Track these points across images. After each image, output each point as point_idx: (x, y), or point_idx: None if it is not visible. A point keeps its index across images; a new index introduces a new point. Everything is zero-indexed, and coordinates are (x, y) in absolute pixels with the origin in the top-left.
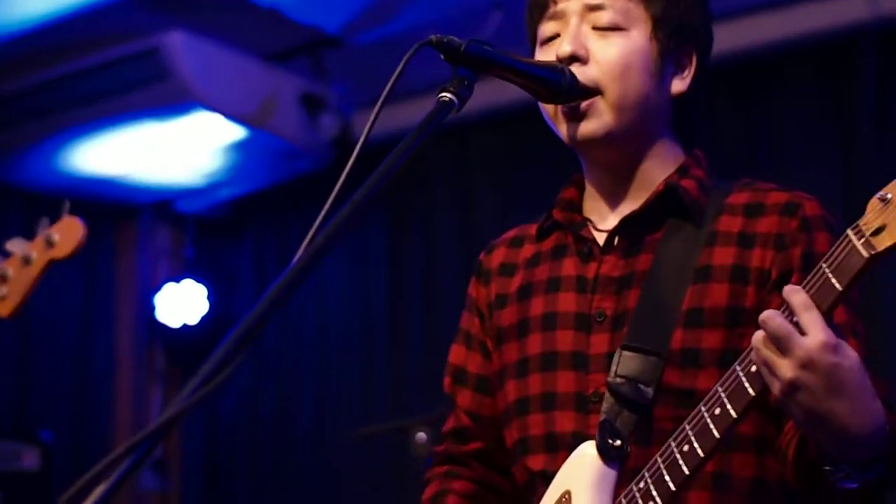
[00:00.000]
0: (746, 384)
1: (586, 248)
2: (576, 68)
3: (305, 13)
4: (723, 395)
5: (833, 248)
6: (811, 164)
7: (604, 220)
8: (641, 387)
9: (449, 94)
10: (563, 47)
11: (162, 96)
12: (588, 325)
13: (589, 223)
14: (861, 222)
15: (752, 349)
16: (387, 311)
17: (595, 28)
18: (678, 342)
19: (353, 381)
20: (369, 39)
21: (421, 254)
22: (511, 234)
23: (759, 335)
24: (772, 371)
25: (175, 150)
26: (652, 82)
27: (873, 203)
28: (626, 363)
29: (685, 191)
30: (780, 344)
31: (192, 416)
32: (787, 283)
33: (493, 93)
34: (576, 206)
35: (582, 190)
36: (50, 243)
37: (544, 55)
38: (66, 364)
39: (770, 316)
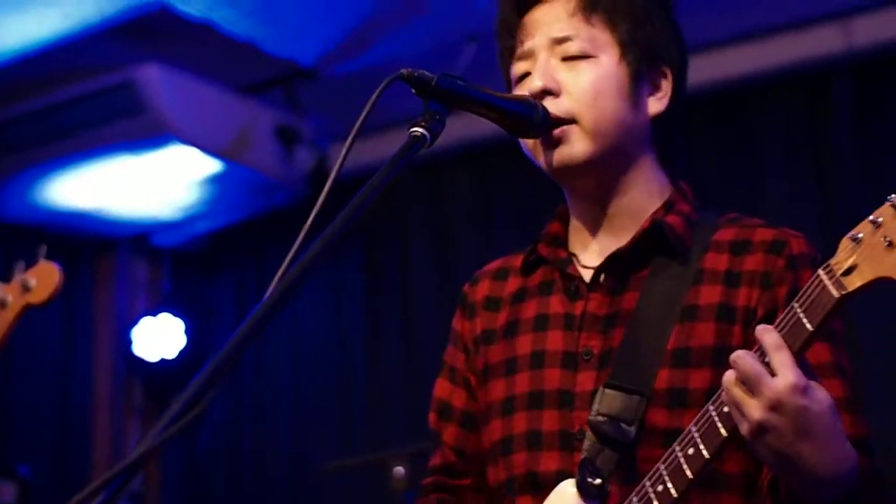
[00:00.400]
0: (719, 424)
1: (573, 287)
2: (548, 102)
3: (280, 46)
4: (696, 435)
5: (804, 289)
6: (788, 195)
7: (589, 254)
8: (623, 426)
9: (420, 129)
10: (534, 83)
11: (137, 130)
12: (575, 363)
13: (574, 259)
14: (832, 262)
15: (723, 389)
16: (364, 345)
17: (564, 59)
18: (664, 382)
19: (331, 415)
20: (344, 72)
21: (397, 287)
22: (495, 265)
23: (729, 375)
24: (741, 411)
25: (151, 183)
26: (627, 105)
27: (845, 243)
28: (608, 401)
29: (671, 228)
30: (749, 384)
31: (170, 449)
32: (772, 321)
33: (468, 126)
34: (560, 240)
35: (566, 223)
36: (26, 288)
37: (516, 90)
38: (45, 398)
39: (740, 356)
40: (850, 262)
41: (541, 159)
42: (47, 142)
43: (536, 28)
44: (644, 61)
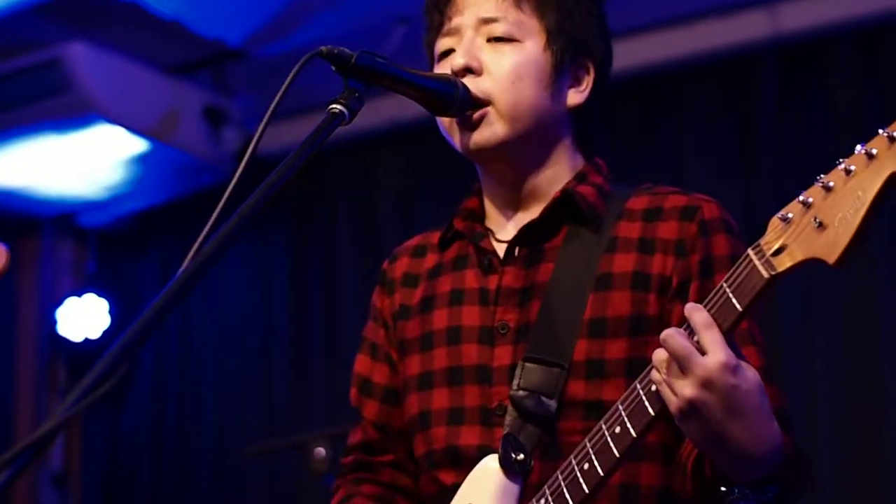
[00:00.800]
0: (647, 403)
1: (486, 260)
2: (469, 80)
3: (208, 26)
4: (623, 413)
5: (734, 268)
6: (713, 180)
7: (504, 230)
8: (544, 399)
9: (339, 106)
10: (457, 60)
11: (63, 108)
12: (492, 337)
13: (489, 233)
14: (762, 241)
15: (651, 367)
16: (288, 326)
17: (489, 40)
18: (582, 353)
19: (254, 395)
20: (272, 52)
21: (322, 267)
22: (414, 241)
23: (659, 353)
24: (671, 389)
25: (77, 163)
26: (545, 93)
27: (774, 223)
28: (528, 375)
29: (581, 196)
30: (680, 363)
31: (92, 431)
32: (686, 291)
33: (396, 106)
34: (477, 215)
35: (483, 199)
36: None
37: (441, 70)
38: None
39: (670, 334)
40: (779, 243)
41: (456, 139)
42: None
43: (465, 6)
44: (568, 52)
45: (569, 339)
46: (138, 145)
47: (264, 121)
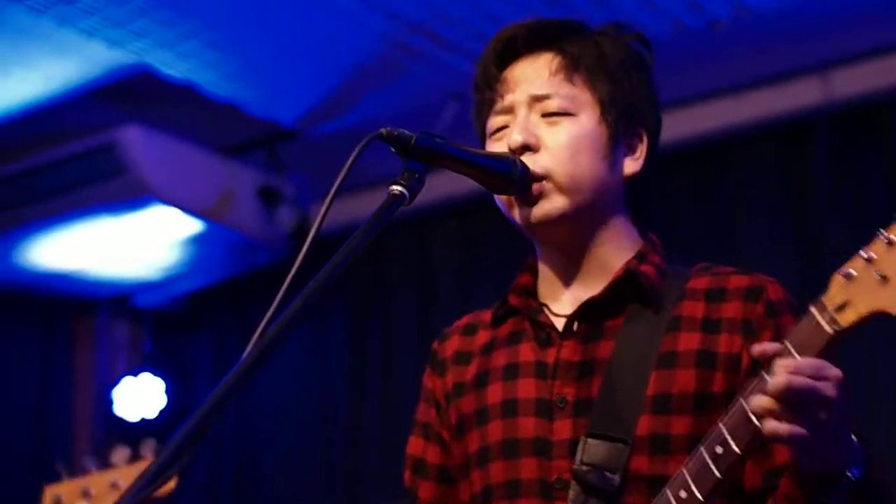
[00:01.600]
0: (712, 466)
1: (544, 334)
2: (527, 157)
3: (261, 107)
4: (688, 477)
5: (796, 326)
6: (767, 246)
7: (560, 304)
8: (608, 474)
9: (399, 188)
10: (514, 137)
11: (118, 191)
12: (550, 411)
13: (545, 308)
14: (824, 298)
15: (729, 418)
16: (346, 406)
17: (544, 115)
18: (646, 429)
19: (312, 475)
20: (325, 132)
21: (379, 344)
22: (464, 321)
23: (779, 377)
24: (815, 394)
25: (132, 244)
26: (603, 164)
27: (836, 279)
28: (591, 450)
29: (645, 276)
30: (819, 373)
31: None
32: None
33: (452, 182)
34: (531, 291)
35: (536, 275)
36: (115, 487)
37: (495, 147)
38: (23, 459)
39: (798, 361)
40: (842, 298)
41: (515, 215)
42: (28, 204)
43: (517, 84)
44: (622, 122)
45: (631, 414)
46: (193, 226)
47: (327, 202)
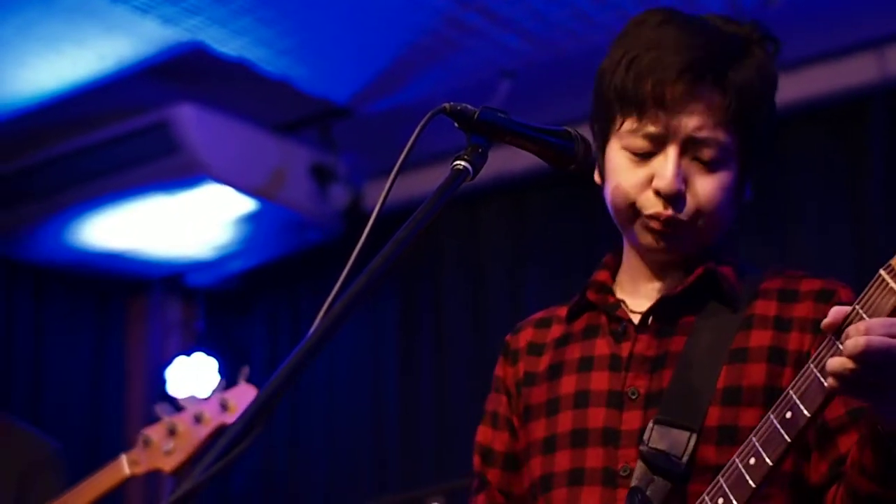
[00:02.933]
0: (781, 430)
1: (621, 328)
2: (673, 201)
3: (314, 84)
4: (757, 444)
5: (866, 290)
6: (822, 225)
7: (636, 300)
8: (674, 458)
9: (463, 163)
10: (669, 183)
11: (171, 170)
12: (621, 402)
13: (623, 304)
14: (893, 261)
15: (799, 383)
16: (397, 383)
17: (695, 159)
18: (715, 419)
19: (365, 451)
20: (378, 110)
21: (431, 324)
22: (539, 315)
23: (862, 337)
24: (892, 351)
25: (185, 223)
26: (735, 207)
27: None
28: (658, 436)
29: (724, 276)
30: (893, 329)
31: (203, 493)
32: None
33: (502, 160)
34: (608, 288)
35: (613, 272)
36: (224, 407)
37: (632, 166)
38: (77, 439)
39: (870, 322)
40: None
41: (639, 235)
42: (82, 183)
43: (680, 115)
44: (757, 163)
45: (701, 405)
46: (246, 204)
47: (391, 178)
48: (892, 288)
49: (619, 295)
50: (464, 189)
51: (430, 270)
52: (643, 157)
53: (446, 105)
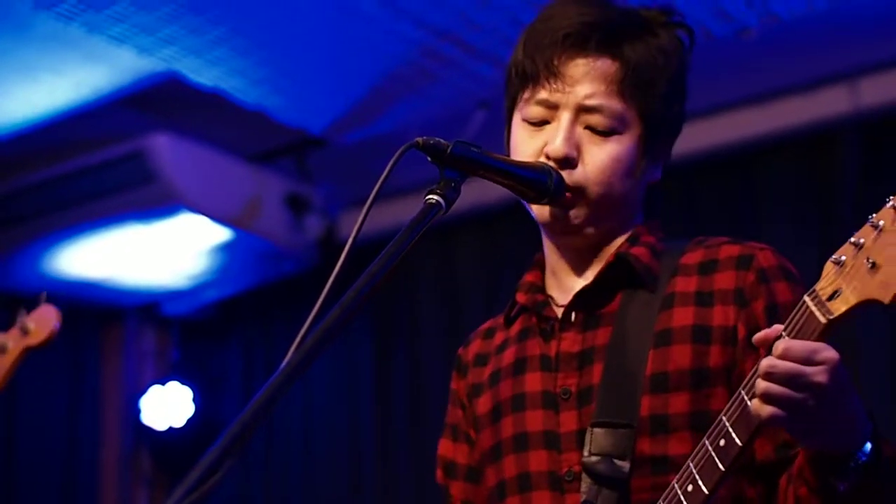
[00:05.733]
0: (716, 459)
1: (548, 327)
2: (563, 170)
3: (290, 114)
4: (694, 470)
5: (792, 315)
6: (793, 256)
7: (564, 295)
8: (617, 462)
9: (436, 197)
10: (557, 147)
11: (147, 199)
12: (555, 403)
13: (551, 300)
14: (817, 287)
15: (731, 409)
16: (373, 411)
17: (587, 128)
18: (646, 409)
19: (342, 481)
20: (353, 140)
21: (406, 351)
22: (486, 325)
23: (770, 360)
24: (801, 380)
25: (160, 252)
26: (633, 181)
27: (828, 267)
28: (598, 440)
29: (635, 258)
30: (809, 359)
31: None
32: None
33: (477, 191)
34: (538, 287)
35: (543, 270)
36: (25, 331)
37: (527, 135)
38: (51, 468)
39: (790, 343)
40: (833, 287)
41: (539, 213)
42: (57, 212)
43: (570, 83)
44: (659, 139)
45: (633, 397)
46: (221, 234)
47: (364, 211)
48: (814, 315)
49: (549, 290)
50: (438, 219)
51: (406, 300)
52: (539, 125)
53: (419, 140)
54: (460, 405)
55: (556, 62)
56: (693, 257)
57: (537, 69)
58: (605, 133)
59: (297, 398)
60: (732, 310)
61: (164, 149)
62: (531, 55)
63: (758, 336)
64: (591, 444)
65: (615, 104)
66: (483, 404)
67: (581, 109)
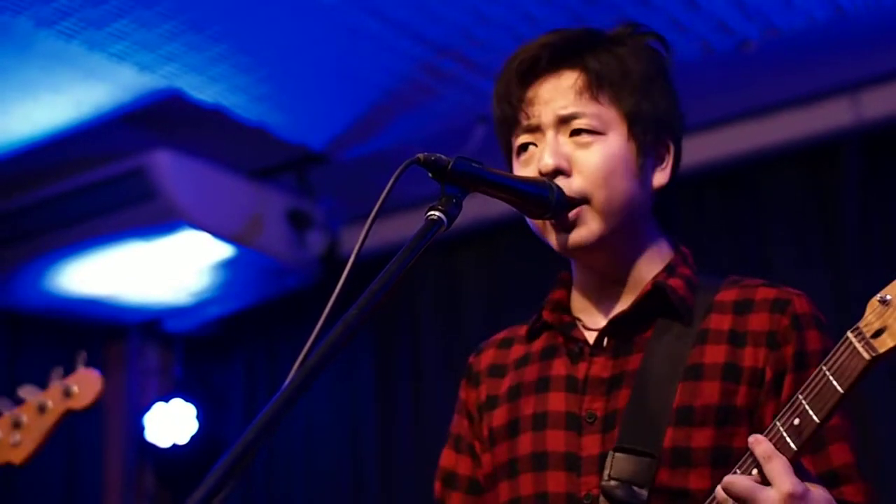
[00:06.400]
0: None
1: (577, 349)
2: (560, 181)
3: (291, 131)
4: None
5: (833, 351)
6: (796, 269)
7: (593, 319)
8: (636, 489)
9: (437, 213)
10: (545, 161)
11: (148, 216)
12: (579, 426)
13: (578, 323)
14: (861, 324)
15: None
16: (375, 428)
17: (572, 136)
18: (669, 441)
19: (343, 498)
20: (354, 156)
21: (409, 368)
22: (500, 335)
23: (723, 495)
24: None
25: (162, 269)
26: (635, 181)
27: (873, 304)
28: (619, 465)
29: (673, 290)
30: (750, 497)
31: None
32: (782, 383)
33: (478, 206)
34: (564, 306)
35: (569, 289)
36: (68, 394)
37: (522, 166)
38: (54, 485)
39: (731, 481)
40: (879, 324)
41: (552, 239)
42: (59, 229)
43: (543, 104)
44: (650, 136)
45: (658, 427)
46: (223, 250)
47: (366, 228)
48: (857, 351)
49: (576, 313)
50: (439, 234)
51: (408, 314)
52: (527, 149)
53: (420, 156)
54: (467, 416)
55: (521, 93)
56: (729, 295)
57: (510, 107)
58: (588, 132)
59: (299, 415)
60: (763, 352)
61: (166, 166)
62: (501, 99)
63: (751, 438)
64: (611, 469)
65: (590, 107)
66: (499, 417)
67: (560, 121)
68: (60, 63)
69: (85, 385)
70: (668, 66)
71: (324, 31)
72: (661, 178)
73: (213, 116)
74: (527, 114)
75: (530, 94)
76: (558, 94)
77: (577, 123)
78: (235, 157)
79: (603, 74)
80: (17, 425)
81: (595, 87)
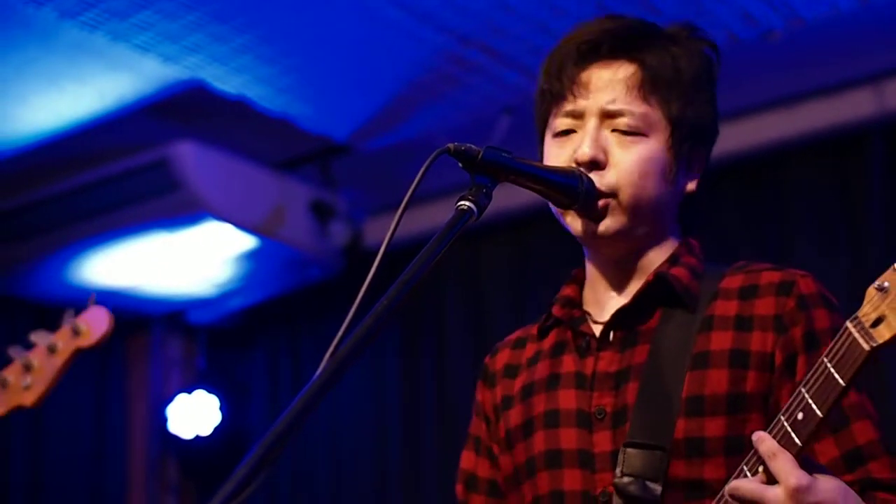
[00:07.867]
0: None
1: (584, 343)
2: (593, 173)
3: (314, 122)
4: None
5: (833, 342)
6: (820, 259)
7: (602, 311)
8: (649, 484)
9: (468, 203)
10: (584, 150)
11: (172, 207)
12: (589, 422)
13: (588, 317)
14: (860, 313)
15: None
16: (400, 420)
17: (614, 131)
18: (681, 432)
19: (367, 489)
20: (378, 146)
21: (433, 356)
22: (514, 335)
23: (729, 500)
24: None
25: (186, 260)
26: (666, 186)
27: (870, 293)
28: (630, 461)
29: (675, 278)
30: (758, 498)
31: None
32: (794, 365)
33: (504, 197)
34: (575, 302)
35: (581, 285)
36: (76, 332)
37: (557, 147)
38: (80, 476)
39: (736, 486)
40: (878, 313)
41: (576, 226)
42: (82, 221)
43: (593, 91)
44: (688, 143)
45: (668, 419)
46: (246, 242)
47: (396, 218)
48: (857, 342)
49: (586, 307)
50: (466, 225)
51: (433, 305)
52: (567, 135)
53: (450, 146)
54: (484, 418)
55: (575, 73)
56: (734, 281)
57: (560, 83)
58: (631, 135)
59: (323, 407)
60: (771, 336)
61: (189, 157)
62: (552, 73)
63: (754, 435)
64: (623, 465)
65: (638, 107)
66: (515, 417)
67: (605, 115)
68: (84, 54)
69: (93, 323)
70: (716, 77)
71: (347, 21)
72: (690, 185)
73: (237, 107)
74: (574, 95)
75: (584, 76)
76: (610, 85)
77: (622, 122)
78: (259, 149)
79: (658, 74)
80: (27, 369)
81: (649, 86)
